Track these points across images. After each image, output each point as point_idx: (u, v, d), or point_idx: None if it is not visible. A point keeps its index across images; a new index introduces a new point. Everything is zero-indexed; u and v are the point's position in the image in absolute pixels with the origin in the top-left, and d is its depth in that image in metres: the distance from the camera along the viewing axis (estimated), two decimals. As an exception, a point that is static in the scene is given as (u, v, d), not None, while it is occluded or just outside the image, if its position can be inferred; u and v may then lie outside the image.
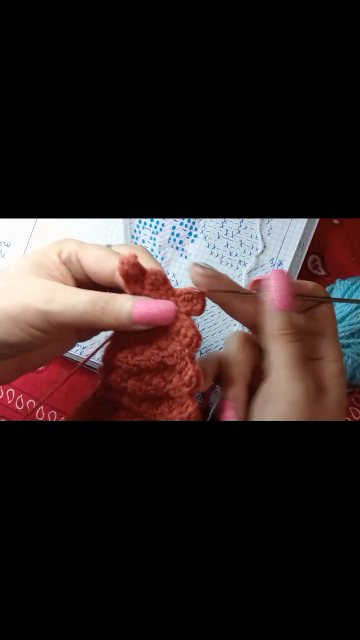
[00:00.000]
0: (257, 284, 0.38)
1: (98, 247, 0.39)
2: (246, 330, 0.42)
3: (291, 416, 0.35)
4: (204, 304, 0.38)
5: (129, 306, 0.36)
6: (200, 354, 0.57)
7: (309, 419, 0.35)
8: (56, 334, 0.39)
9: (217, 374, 0.41)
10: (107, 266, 0.38)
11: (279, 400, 0.36)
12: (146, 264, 0.38)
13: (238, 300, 0.39)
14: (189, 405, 0.38)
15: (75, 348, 0.58)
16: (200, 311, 0.38)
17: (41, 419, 0.61)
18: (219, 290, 0.38)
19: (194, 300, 0.38)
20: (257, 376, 0.39)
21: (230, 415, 0.39)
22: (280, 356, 0.37)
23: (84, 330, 0.45)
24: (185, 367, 0.38)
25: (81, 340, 0.45)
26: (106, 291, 0.38)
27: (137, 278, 0.37)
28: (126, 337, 0.39)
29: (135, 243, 0.59)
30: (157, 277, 0.37)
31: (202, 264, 0.38)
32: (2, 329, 0.36)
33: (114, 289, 0.39)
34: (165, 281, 0.38)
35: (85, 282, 0.40)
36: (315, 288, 0.39)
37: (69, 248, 0.39)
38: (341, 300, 0.49)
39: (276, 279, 0.37)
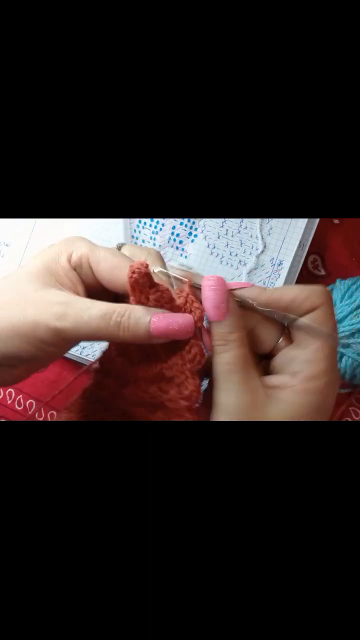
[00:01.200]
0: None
1: (111, 253, 0.38)
2: None
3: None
4: (202, 309, 0.37)
5: (146, 321, 0.35)
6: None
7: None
8: (69, 347, 0.37)
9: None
10: (122, 275, 0.37)
11: (213, 407, 0.36)
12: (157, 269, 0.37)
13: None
14: (189, 420, 0.38)
15: (75, 348, 0.58)
16: (202, 316, 0.37)
17: (41, 419, 0.61)
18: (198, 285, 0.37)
19: (193, 307, 0.37)
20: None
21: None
22: (214, 365, 0.36)
23: None
24: (185, 381, 0.37)
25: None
26: (117, 297, 0.37)
27: (144, 289, 0.36)
28: (125, 344, 0.39)
29: (135, 243, 0.59)
30: (162, 295, 0.36)
31: (178, 264, 0.37)
32: (12, 345, 0.35)
33: (127, 295, 0.37)
34: (170, 300, 0.37)
35: (96, 287, 0.39)
36: (295, 299, 0.36)
37: (80, 251, 0.38)
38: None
39: (202, 289, 0.36)
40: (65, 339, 0.36)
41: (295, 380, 0.36)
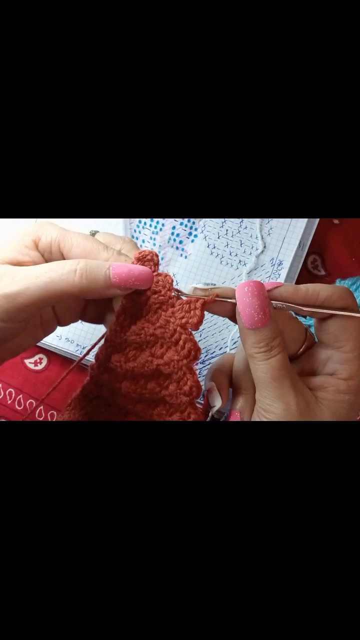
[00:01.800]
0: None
1: (84, 238, 0.37)
2: None
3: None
4: (201, 318, 0.37)
5: (105, 267, 0.34)
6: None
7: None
8: (27, 319, 0.36)
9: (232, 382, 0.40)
10: (95, 260, 0.36)
11: (262, 416, 0.36)
12: (130, 254, 0.38)
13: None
14: (192, 413, 0.38)
15: (75, 348, 0.58)
16: (197, 324, 0.36)
17: (41, 419, 0.61)
18: (225, 299, 0.37)
19: (192, 312, 0.36)
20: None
21: None
22: (257, 374, 0.36)
23: (64, 311, 0.42)
24: (184, 377, 0.37)
25: (61, 325, 0.43)
26: None
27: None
28: (119, 339, 0.39)
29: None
30: (163, 283, 0.37)
31: (203, 285, 0.36)
32: None
33: None
34: (170, 287, 0.37)
35: None
36: (330, 297, 0.35)
37: (49, 236, 0.37)
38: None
39: (239, 296, 0.35)
40: (18, 307, 0.34)
41: (335, 380, 0.36)
